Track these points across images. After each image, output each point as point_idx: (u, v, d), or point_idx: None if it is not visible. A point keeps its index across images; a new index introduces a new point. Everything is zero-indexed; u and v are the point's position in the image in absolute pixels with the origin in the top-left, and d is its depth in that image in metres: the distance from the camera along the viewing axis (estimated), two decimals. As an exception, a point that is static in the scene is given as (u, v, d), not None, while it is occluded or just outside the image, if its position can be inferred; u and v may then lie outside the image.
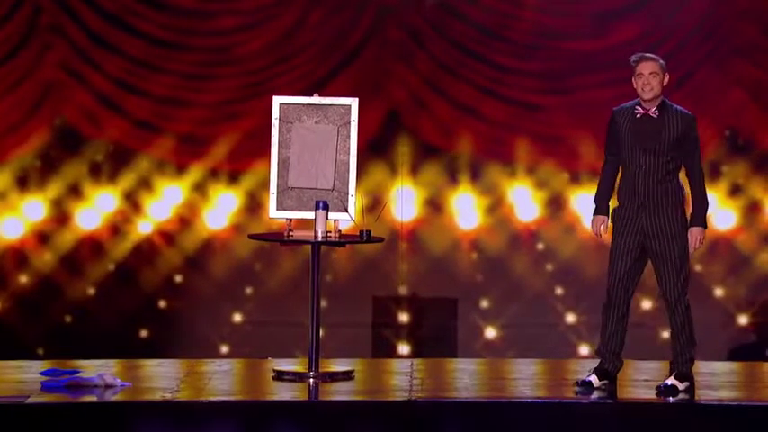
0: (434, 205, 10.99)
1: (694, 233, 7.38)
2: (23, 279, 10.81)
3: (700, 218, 7.44)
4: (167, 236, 10.89)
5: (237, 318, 10.93)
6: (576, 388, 7.53)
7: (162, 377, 8.02)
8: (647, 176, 7.40)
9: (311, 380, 7.85)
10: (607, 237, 7.62)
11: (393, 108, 10.86)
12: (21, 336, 10.60)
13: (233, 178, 10.88)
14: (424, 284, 10.94)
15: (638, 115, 7.43)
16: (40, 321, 10.71)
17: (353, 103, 8.04)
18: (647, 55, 7.42)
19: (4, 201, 10.76)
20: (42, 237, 10.82)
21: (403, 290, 10.97)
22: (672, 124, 7.40)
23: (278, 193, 8.06)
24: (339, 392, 7.65)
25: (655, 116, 7.41)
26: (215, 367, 8.31)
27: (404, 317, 10.93)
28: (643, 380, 8.02)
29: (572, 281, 10.95)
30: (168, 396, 7.40)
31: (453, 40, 10.78)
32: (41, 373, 7.76)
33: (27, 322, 10.69)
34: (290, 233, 8.03)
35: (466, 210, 10.99)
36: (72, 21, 10.63)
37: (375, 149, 10.83)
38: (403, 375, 8.02)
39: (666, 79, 7.42)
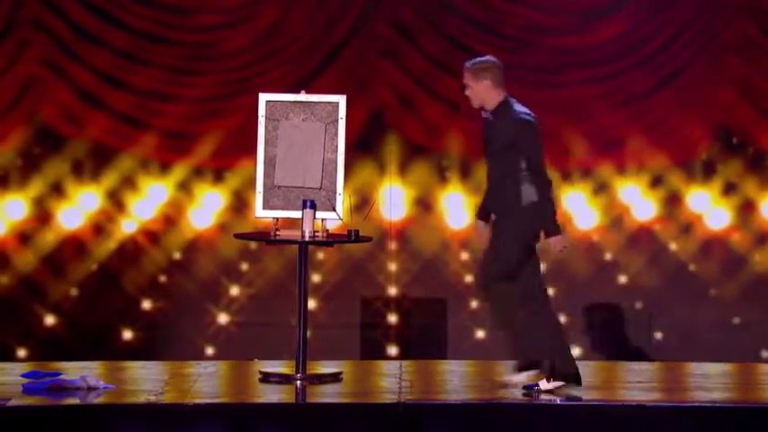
0: (424, 204, 10.91)
1: (550, 242, 7.27)
2: (4, 279, 10.68)
3: (547, 226, 7.26)
4: (151, 235, 10.78)
5: (223, 319, 10.84)
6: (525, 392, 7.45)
7: (146, 379, 7.96)
8: (490, 182, 7.35)
9: (298, 382, 7.80)
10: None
11: (379, 105, 10.76)
12: (1, 337, 10.48)
13: (218, 177, 10.77)
14: (414, 285, 10.87)
15: (486, 121, 7.40)
16: (21, 323, 10.59)
17: (341, 100, 7.98)
18: (466, 64, 7.32)
19: (-16, 200, 10.64)
20: (24, 236, 10.70)
21: (392, 290, 10.89)
22: (503, 127, 7.28)
23: (264, 191, 8.00)
24: (327, 395, 7.60)
25: (492, 120, 7.32)
26: (200, 369, 8.26)
27: (392, 318, 10.86)
28: (636, 381, 7.98)
29: (561, 281, 10.88)
30: (152, 399, 7.34)
31: (444, 34, 10.68)
32: (23, 376, 7.70)
33: (8, 323, 10.56)
34: (277, 232, 7.97)
35: (456, 209, 10.92)
36: (54, 14, 10.48)
37: (363, 147, 10.74)
38: (392, 377, 7.98)
39: (485, 83, 7.27)
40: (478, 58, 7.36)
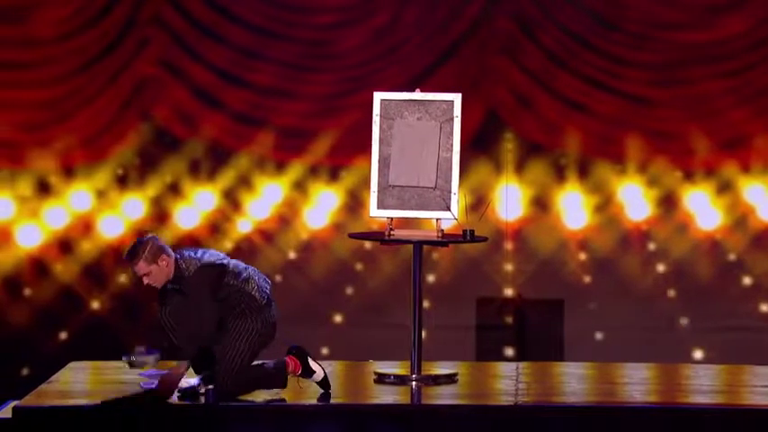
0: (541, 204, 10.77)
1: None
2: (123, 278, 10.80)
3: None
4: (267, 235, 10.81)
5: (338, 319, 10.83)
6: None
7: (262, 380, 7.93)
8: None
9: (413, 383, 7.76)
10: None
11: (496, 103, 10.64)
12: (122, 337, 10.59)
13: (333, 175, 10.75)
14: (530, 285, 10.73)
15: (168, 292, 7.36)
16: (141, 322, 10.69)
17: (456, 98, 7.90)
18: (128, 258, 7.23)
19: (104, 199, 10.76)
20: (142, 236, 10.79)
21: (508, 291, 10.77)
22: (187, 290, 7.27)
23: (378, 191, 7.96)
24: (442, 396, 7.55)
25: (177, 288, 7.31)
26: (316, 370, 8.22)
27: (509, 319, 10.74)
28: (762, 386, 7.79)
29: (685, 282, 10.65)
30: (270, 399, 7.33)
31: (565, 29, 10.50)
32: (142, 375, 7.74)
33: (128, 323, 10.67)
34: (392, 232, 7.92)
35: (573, 209, 10.75)
36: (174, 10, 10.54)
37: (479, 146, 10.63)
38: (508, 379, 7.90)
39: (163, 261, 7.19)
40: (139, 244, 7.23)
